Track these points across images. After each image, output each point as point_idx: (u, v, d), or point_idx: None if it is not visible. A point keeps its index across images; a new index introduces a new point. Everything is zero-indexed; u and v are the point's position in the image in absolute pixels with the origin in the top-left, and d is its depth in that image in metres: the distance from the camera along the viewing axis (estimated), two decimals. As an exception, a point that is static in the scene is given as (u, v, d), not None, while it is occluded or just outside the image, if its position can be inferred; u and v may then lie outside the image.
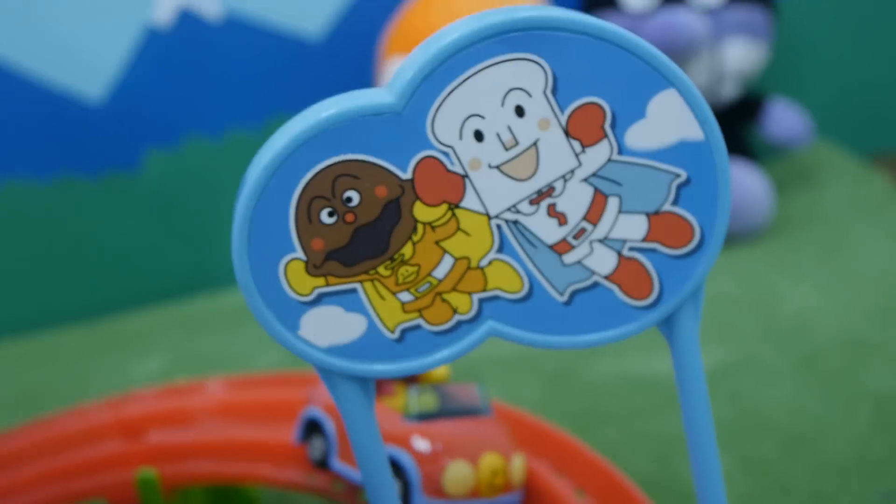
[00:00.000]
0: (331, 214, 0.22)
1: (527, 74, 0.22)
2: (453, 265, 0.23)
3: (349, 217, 0.22)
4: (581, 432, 0.43)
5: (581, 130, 0.23)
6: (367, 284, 0.23)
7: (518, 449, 0.34)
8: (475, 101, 0.22)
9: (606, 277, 0.24)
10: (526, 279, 0.24)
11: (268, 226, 0.22)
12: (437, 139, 0.22)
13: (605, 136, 0.23)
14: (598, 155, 0.23)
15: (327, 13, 0.72)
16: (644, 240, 0.24)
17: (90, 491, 0.41)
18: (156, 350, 0.66)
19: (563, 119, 0.22)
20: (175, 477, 0.40)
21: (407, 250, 0.23)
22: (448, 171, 0.22)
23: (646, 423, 0.46)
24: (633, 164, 0.23)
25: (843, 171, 0.78)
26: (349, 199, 0.22)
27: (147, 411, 0.43)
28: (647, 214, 0.24)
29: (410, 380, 0.37)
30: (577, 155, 0.23)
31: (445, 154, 0.22)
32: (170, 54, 0.70)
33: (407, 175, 0.22)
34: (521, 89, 0.22)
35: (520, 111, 0.22)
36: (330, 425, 0.34)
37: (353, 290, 0.23)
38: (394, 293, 0.23)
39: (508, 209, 0.23)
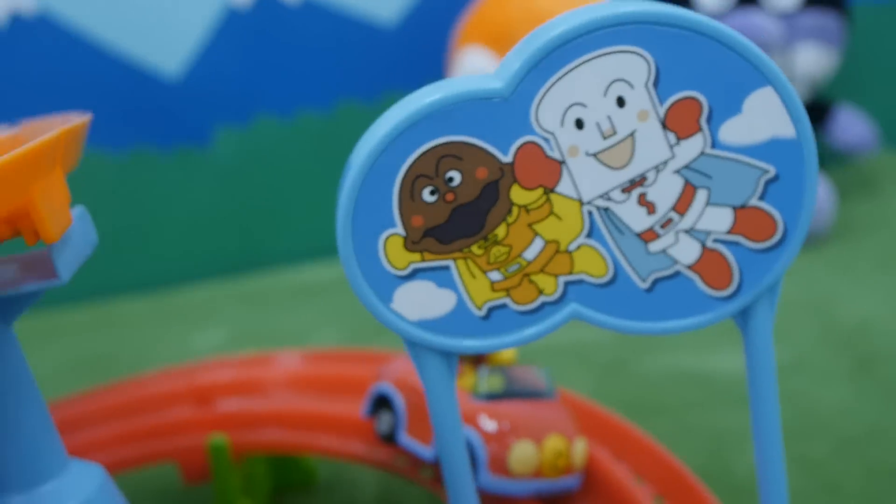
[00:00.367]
0: (432, 193, 0.23)
1: (631, 67, 0.23)
2: (543, 248, 0.24)
3: (449, 196, 0.23)
4: (633, 423, 0.43)
5: (678, 123, 0.23)
6: (460, 262, 0.24)
7: (580, 433, 0.34)
8: (579, 90, 0.23)
9: (689, 267, 0.25)
10: (611, 265, 0.25)
11: (372, 202, 0.23)
12: (539, 125, 0.23)
13: (700, 129, 0.23)
14: (691, 148, 0.24)
15: (402, 1, 0.73)
16: (728, 232, 0.25)
17: (162, 454, 0.42)
18: (218, 322, 0.68)
19: (662, 111, 0.23)
20: (244, 444, 0.41)
21: (501, 231, 0.24)
22: (547, 156, 0.23)
23: (697, 416, 0.47)
24: (725, 158, 0.24)
25: (906, 180, 0.77)
26: (451, 179, 0.23)
27: (219, 380, 0.44)
28: (734, 208, 0.24)
29: (478, 361, 0.38)
30: (671, 147, 0.24)
31: (546, 140, 0.23)
32: (247, 35, 0.72)
33: (508, 159, 0.23)
34: (623, 80, 0.23)
35: (621, 102, 0.23)
36: (399, 400, 0.35)
37: (447, 267, 0.24)
38: (484, 272, 0.24)
39: (601, 196, 0.24)
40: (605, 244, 0.24)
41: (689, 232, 0.25)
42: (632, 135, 0.23)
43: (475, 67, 0.65)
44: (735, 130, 0.23)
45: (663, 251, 0.25)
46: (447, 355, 0.25)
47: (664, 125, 0.23)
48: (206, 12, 0.71)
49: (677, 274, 0.25)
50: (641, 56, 0.23)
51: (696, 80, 0.23)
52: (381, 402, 0.36)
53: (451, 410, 0.26)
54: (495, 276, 0.24)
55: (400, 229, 0.24)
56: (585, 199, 0.24)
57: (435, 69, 0.74)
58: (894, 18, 0.80)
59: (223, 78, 0.73)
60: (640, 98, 0.23)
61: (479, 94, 0.23)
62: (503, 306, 0.25)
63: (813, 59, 0.70)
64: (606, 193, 0.24)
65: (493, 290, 0.25)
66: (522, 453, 0.32)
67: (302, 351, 0.47)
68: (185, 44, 0.71)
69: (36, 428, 0.25)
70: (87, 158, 0.73)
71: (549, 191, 0.24)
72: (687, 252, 0.25)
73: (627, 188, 0.24)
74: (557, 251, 0.24)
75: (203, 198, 0.76)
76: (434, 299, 0.25)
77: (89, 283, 0.75)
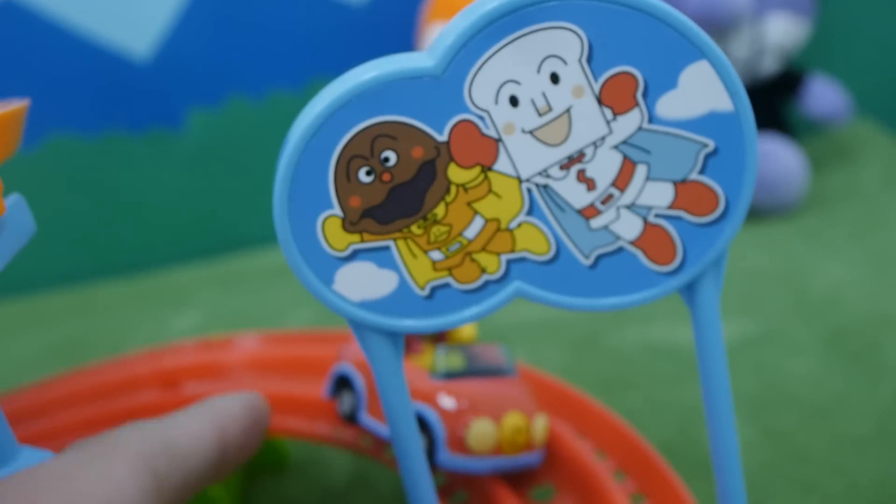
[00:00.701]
0: (368, 173, 0.23)
1: (563, 42, 0.23)
2: (483, 226, 0.24)
3: (386, 176, 0.23)
4: (604, 398, 0.43)
5: (613, 98, 0.23)
6: (400, 242, 0.24)
7: (541, 410, 0.34)
8: (512, 67, 0.23)
9: (631, 243, 0.25)
10: (553, 242, 0.25)
11: (308, 183, 0.23)
12: (473, 103, 0.23)
13: (637, 104, 0.23)
14: (628, 123, 0.24)
15: (371, -22, 0.73)
16: (670, 207, 0.25)
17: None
18: (194, 305, 0.67)
19: (597, 87, 0.23)
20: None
21: (440, 210, 0.24)
22: (483, 134, 0.23)
23: (668, 391, 0.47)
24: (663, 132, 0.24)
25: (880, 148, 0.77)
26: (386, 160, 0.23)
27: (183, 364, 0.44)
28: (674, 182, 0.24)
29: (438, 339, 0.38)
30: (608, 122, 0.23)
31: (481, 118, 0.23)
32: (216, 15, 0.71)
33: (443, 137, 0.23)
34: (557, 57, 0.23)
35: (555, 78, 0.23)
36: (359, 381, 0.35)
37: (387, 248, 0.24)
38: (425, 251, 0.24)
39: (539, 173, 0.24)
40: (546, 221, 0.24)
41: (631, 207, 0.24)
42: (567, 111, 0.23)
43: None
44: (672, 105, 0.23)
45: (605, 227, 0.25)
46: (392, 335, 0.25)
47: (600, 101, 0.23)
48: (174, -7, 0.70)
49: (620, 250, 0.25)
50: (573, 32, 0.22)
51: (631, 55, 0.23)
52: (343, 383, 0.36)
53: (400, 390, 0.26)
54: (436, 255, 0.24)
55: (337, 210, 0.24)
56: (524, 176, 0.24)
57: (405, 45, 0.73)
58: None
59: (193, 59, 0.72)
60: (574, 74, 0.23)
61: (411, 73, 0.22)
62: (446, 285, 0.25)
63: (784, 30, 0.69)
64: (545, 170, 0.24)
65: (435, 269, 0.25)
66: (481, 431, 0.32)
67: (265, 333, 0.47)
68: (153, 25, 0.71)
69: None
70: (58, 143, 0.73)
71: (486, 169, 0.24)
72: (629, 228, 0.25)
73: (566, 165, 0.24)
74: (498, 229, 0.24)
75: (177, 180, 0.76)
76: (376, 280, 0.24)
77: (64, 268, 0.75)
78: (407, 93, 0.23)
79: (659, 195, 0.24)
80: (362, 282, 0.24)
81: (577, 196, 0.24)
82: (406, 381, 0.32)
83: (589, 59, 0.23)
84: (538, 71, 0.23)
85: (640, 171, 0.24)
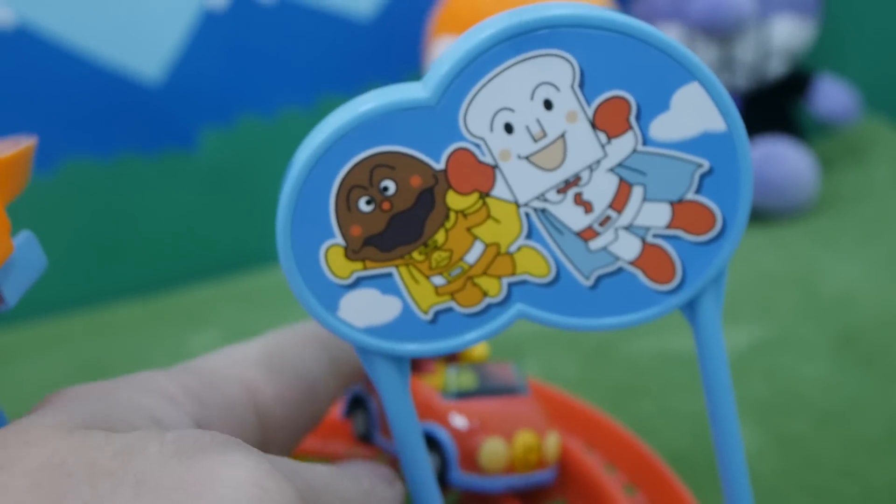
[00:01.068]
0: (368, 203, 0.24)
1: (555, 70, 0.23)
2: (484, 251, 0.25)
3: (386, 205, 0.24)
4: (617, 407, 0.44)
5: (607, 122, 0.24)
6: (402, 269, 0.25)
7: (552, 427, 0.35)
8: (505, 95, 0.23)
9: (631, 263, 0.25)
10: (553, 264, 0.25)
11: (310, 214, 0.24)
12: (469, 132, 0.23)
13: (631, 127, 0.24)
14: (623, 146, 0.24)
15: (377, -6, 0.74)
16: (667, 227, 0.25)
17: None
18: (211, 323, 0.68)
19: (590, 112, 0.23)
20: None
21: (440, 237, 0.24)
22: (479, 161, 0.24)
23: (681, 399, 0.47)
24: (657, 154, 0.24)
25: (891, 146, 0.77)
26: (386, 189, 0.24)
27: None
28: (671, 203, 0.25)
29: (450, 359, 0.38)
30: (602, 146, 0.24)
31: (477, 146, 0.23)
32: (225, 36, 0.72)
33: (440, 165, 0.24)
34: (549, 84, 0.23)
35: (548, 104, 0.23)
36: (373, 402, 0.35)
37: (389, 274, 0.25)
38: (427, 277, 0.25)
39: (536, 197, 0.24)
40: (545, 244, 0.25)
41: (629, 228, 0.25)
42: (562, 136, 0.24)
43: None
44: (665, 127, 0.24)
45: (604, 248, 0.25)
46: (398, 359, 0.26)
47: (594, 125, 0.24)
48: (184, 15, 0.71)
49: (620, 270, 0.25)
50: (565, 59, 0.23)
51: (622, 80, 0.23)
52: (357, 403, 0.37)
53: (407, 412, 0.27)
54: (438, 280, 0.25)
55: (339, 239, 0.24)
56: (521, 201, 0.24)
57: (412, 59, 0.74)
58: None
59: (204, 80, 0.73)
60: (567, 100, 0.23)
61: (407, 104, 0.23)
62: (449, 309, 0.25)
63: (789, 32, 0.69)
64: (542, 195, 0.24)
65: (438, 294, 0.25)
66: (493, 450, 0.32)
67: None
68: (164, 48, 0.71)
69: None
70: (74, 167, 0.73)
71: (484, 195, 0.24)
72: (628, 248, 0.25)
73: (563, 188, 0.24)
74: (498, 253, 0.25)
75: (191, 199, 0.76)
76: (380, 306, 0.25)
77: (82, 289, 0.76)
78: (403, 123, 0.23)
79: (656, 216, 0.25)
80: (366, 308, 0.25)
81: (575, 219, 0.25)
82: (418, 401, 0.33)
83: (581, 85, 0.23)
84: (531, 98, 0.23)
85: (637, 192, 0.24)
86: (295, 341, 0.30)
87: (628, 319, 0.26)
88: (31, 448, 0.20)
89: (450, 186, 0.24)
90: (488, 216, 0.24)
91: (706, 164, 0.24)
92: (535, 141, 0.24)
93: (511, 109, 0.23)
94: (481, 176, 0.24)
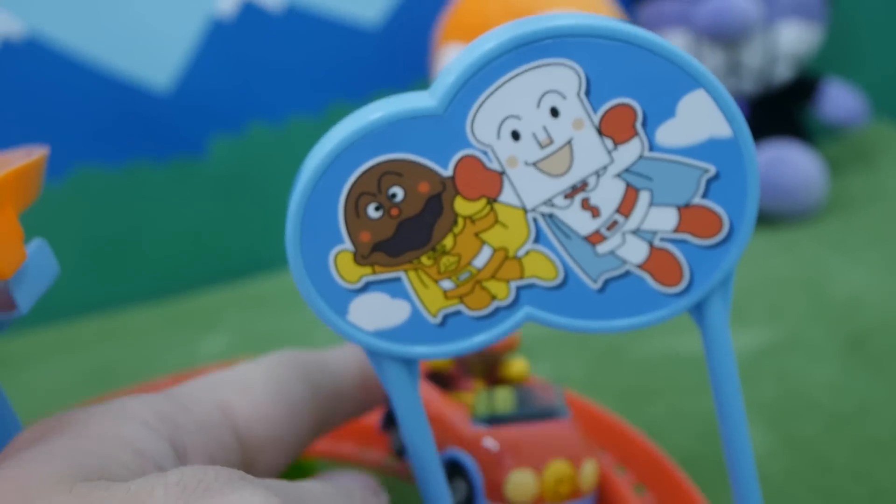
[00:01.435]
0: (377, 209, 0.24)
1: (561, 78, 0.23)
2: (492, 255, 0.25)
3: (394, 211, 0.24)
4: (626, 408, 0.44)
5: (613, 129, 0.24)
6: (411, 273, 0.25)
7: (591, 453, 0.33)
8: (512, 103, 0.23)
9: (638, 266, 0.25)
10: (561, 268, 0.25)
11: (319, 220, 0.24)
12: (476, 139, 0.24)
13: (637, 134, 0.24)
14: (629, 152, 0.24)
15: (384, 1, 0.74)
16: (674, 231, 0.25)
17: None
18: (221, 328, 0.69)
19: (596, 119, 0.24)
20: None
21: (448, 242, 0.25)
22: (486, 168, 0.24)
23: (691, 399, 0.47)
24: (664, 160, 0.24)
25: (900, 151, 0.77)
26: (394, 195, 0.24)
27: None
28: (678, 207, 0.25)
29: (491, 377, 0.37)
30: (609, 152, 0.24)
31: (484, 153, 0.24)
32: (233, 44, 0.73)
33: (448, 172, 0.24)
34: (555, 92, 0.23)
35: (555, 112, 0.24)
36: (475, 467, 0.33)
37: (398, 279, 0.25)
38: (436, 281, 0.25)
39: (544, 203, 0.24)
40: (552, 249, 0.25)
41: (636, 232, 0.25)
42: (569, 143, 0.24)
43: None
44: (671, 133, 0.24)
45: (611, 252, 0.25)
46: (407, 362, 0.26)
47: (600, 132, 0.24)
48: (192, 25, 0.72)
49: (628, 273, 0.25)
50: (570, 67, 0.23)
51: (628, 88, 0.23)
52: (454, 469, 0.34)
53: (417, 416, 0.27)
54: (447, 284, 0.25)
55: (348, 245, 0.24)
56: (529, 206, 0.24)
57: (420, 66, 0.74)
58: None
59: (213, 88, 0.74)
60: (573, 108, 0.23)
61: (414, 112, 0.23)
62: (458, 313, 0.25)
63: (796, 36, 0.70)
64: (549, 200, 0.24)
65: (447, 297, 0.25)
66: (520, 481, 0.31)
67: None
68: (173, 57, 0.72)
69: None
70: (84, 174, 0.74)
71: (492, 201, 0.24)
72: (635, 252, 0.25)
73: (570, 194, 0.24)
74: (506, 258, 0.25)
75: (201, 206, 0.77)
76: (389, 310, 0.25)
77: (93, 295, 0.76)
78: (411, 131, 0.23)
79: (663, 220, 0.25)
80: (376, 312, 0.25)
81: (583, 223, 0.25)
82: (447, 424, 0.32)
83: (587, 93, 0.23)
84: (538, 106, 0.23)
85: (644, 197, 0.25)
86: (268, 364, 0.29)
87: (636, 322, 0.26)
88: None
89: (457, 192, 0.24)
90: (496, 221, 0.25)
91: (712, 170, 0.24)
92: (542, 148, 0.24)
93: (518, 117, 0.23)
94: (489, 182, 0.24)
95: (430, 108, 0.23)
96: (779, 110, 0.71)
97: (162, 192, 0.76)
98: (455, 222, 0.24)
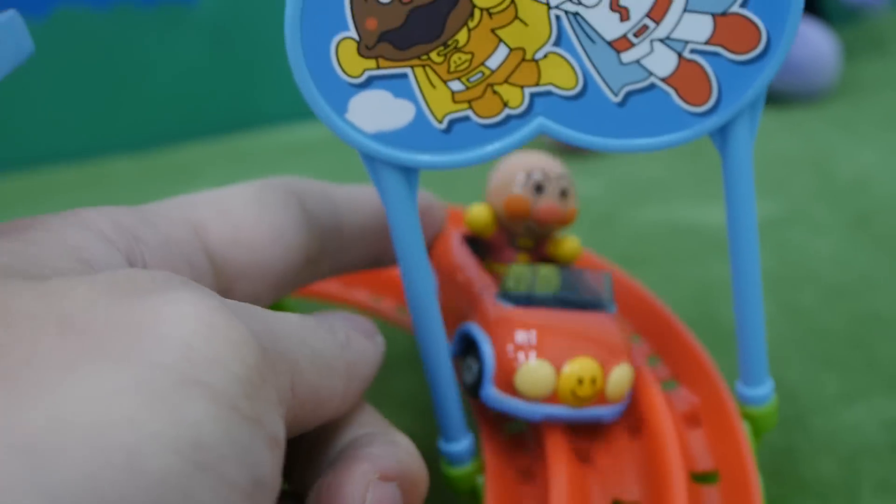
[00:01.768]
0: (386, -9, 0.22)
1: None
2: (507, 55, 0.23)
3: (405, -4, 0.22)
4: (622, 275, 0.43)
5: (651, -84, 0.22)
6: (419, 70, 0.23)
7: (629, 357, 0.28)
8: None
9: (664, 80, 0.23)
10: (581, 75, 0.23)
11: (322, 2, 0.22)
12: (499, -86, 0.21)
13: (676, -77, 0.22)
14: (666, -56, 0.22)
15: None
16: (707, 42, 0.23)
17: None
18: (205, 181, 0.66)
19: None
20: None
21: (462, 36, 0.22)
22: (509, -50, 0.22)
23: (685, 267, 0.46)
24: (703, -44, 0.22)
25: (917, 39, 0.75)
26: (406, -24, 0.22)
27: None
28: (713, 15, 0.23)
29: (538, 253, 0.33)
30: (644, -58, 0.22)
31: (508, -68, 0.21)
32: None
33: (466, -47, 0.22)
34: None
35: None
36: (488, 347, 0.28)
37: (404, 75, 0.23)
38: (445, 81, 0.23)
39: (569, -1, 0.22)
40: (574, 53, 0.23)
41: (665, 41, 0.23)
42: (602, -73, 0.22)
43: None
44: (715, -77, 0.22)
45: (637, 62, 0.23)
46: (406, 171, 0.24)
47: (637, -84, 0.21)
48: None
49: (652, 87, 0.23)
50: None
51: None
52: (470, 345, 0.29)
53: (412, 230, 0.25)
54: (456, 85, 0.23)
55: (353, 32, 0.22)
56: (553, 2, 0.22)
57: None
58: None
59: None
60: None
61: None
62: (465, 119, 0.23)
63: None
64: (575, -5, 0.22)
65: (455, 100, 0.23)
66: (532, 373, 0.27)
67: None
68: None
69: None
70: (67, 14, 0.71)
71: (513, -9, 0.22)
72: (662, 63, 0.23)
73: (598, -11, 0.22)
74: (523, 59, 0.23)
75: (188, 55, 0.74)
76: (391, 110, 0.23)
77: (74, 142, 0.74)
78: None
79: (696, 28, 0.23)
80: (377, 111, 0.23)
81: (609, 26, 0.23)
82: (472, 295, 0.30)
83: None
84: None
85: (678, 1, 0.22)
86: (254, 187, 0.26)
87: (656, 142, 0.24)
88: None
89: (476, -22, 0.22)
90: (516, 17, 0.22)
91: (755, -28, 0.22)
92: (573, -69, 0.22)
93: None
94: (511, -32, 0.22)
95: None
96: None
97: (148, 39, 0.73)
98: (471, 14, 0.22)
